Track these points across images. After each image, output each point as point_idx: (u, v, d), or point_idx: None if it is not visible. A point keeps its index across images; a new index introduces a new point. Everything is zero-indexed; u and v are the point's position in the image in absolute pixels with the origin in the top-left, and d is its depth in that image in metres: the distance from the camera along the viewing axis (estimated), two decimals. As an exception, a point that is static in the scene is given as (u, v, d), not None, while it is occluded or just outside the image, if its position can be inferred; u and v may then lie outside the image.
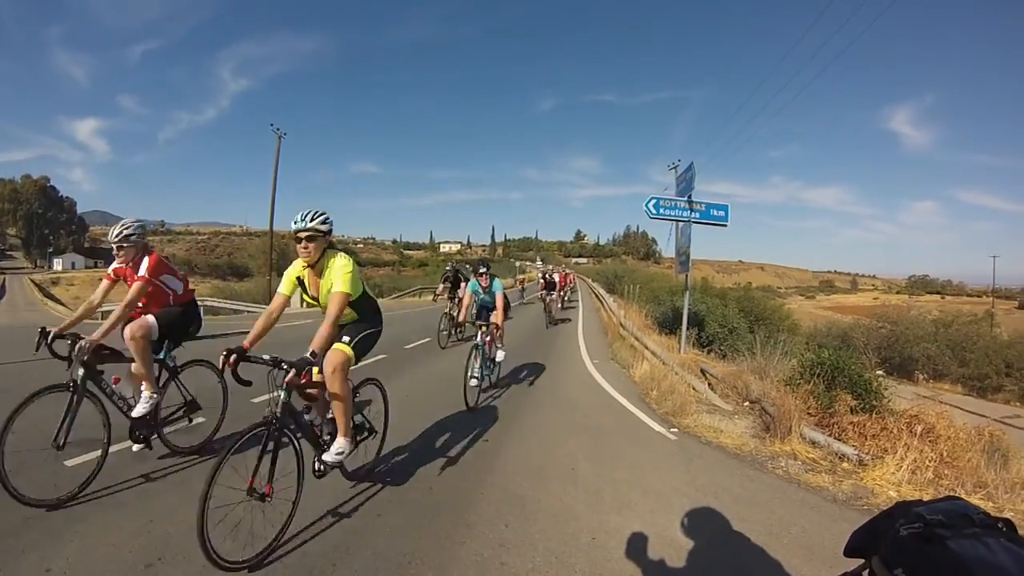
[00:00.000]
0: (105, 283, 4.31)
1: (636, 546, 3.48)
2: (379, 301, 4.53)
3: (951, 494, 1.18)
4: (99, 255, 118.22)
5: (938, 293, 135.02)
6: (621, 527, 3.76)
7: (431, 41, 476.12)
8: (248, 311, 26.66)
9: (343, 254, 3.83)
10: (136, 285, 4.17)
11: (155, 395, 4.25)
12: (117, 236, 4.11)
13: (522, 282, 37.29)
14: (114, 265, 4.28)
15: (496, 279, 8.43)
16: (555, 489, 4.43)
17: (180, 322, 4.55)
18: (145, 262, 4.21)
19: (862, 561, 1.15)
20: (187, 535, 3.21)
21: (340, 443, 3.76)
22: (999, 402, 23.56)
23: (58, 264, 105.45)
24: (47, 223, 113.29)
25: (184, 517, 3.46)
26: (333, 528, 3.52)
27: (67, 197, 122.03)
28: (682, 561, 3.32)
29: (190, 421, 4.78)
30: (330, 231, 3.73)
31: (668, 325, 17.19)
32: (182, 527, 3.34)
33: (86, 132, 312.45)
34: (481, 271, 8.39)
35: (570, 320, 20.64)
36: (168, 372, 4.51)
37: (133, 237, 4.16)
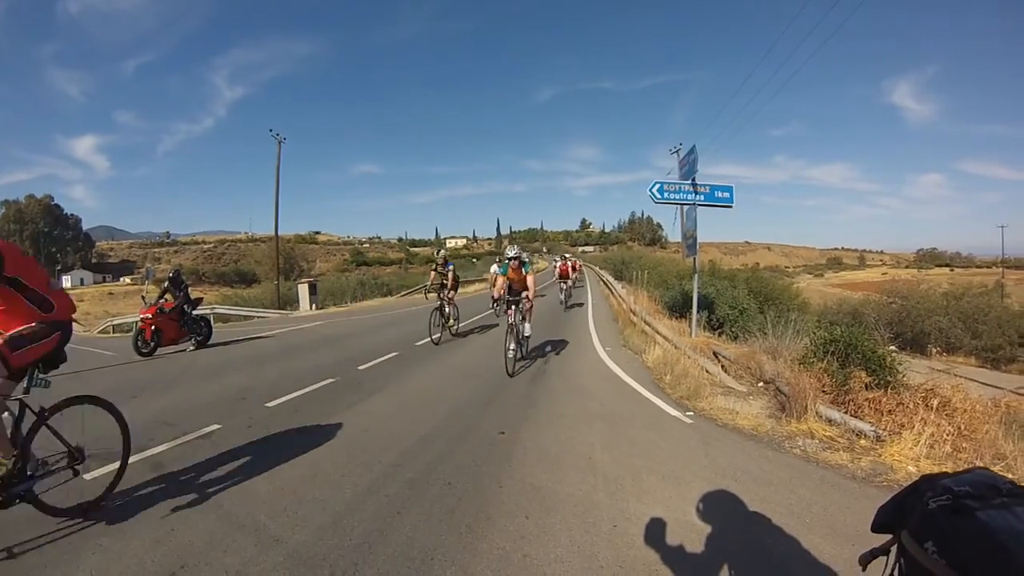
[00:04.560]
0: None
1: (658, 532, 3.48)
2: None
3: (976, 465, 1.18)
4: (107, 270, 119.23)
5: (947, 266, 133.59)
6: (642, 514, 3.76)
7: (424, 38, 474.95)
8: (258, 316, 26.83)
9: None
10: None
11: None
12: None
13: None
14: None
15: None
16: (574, 479, 4.44)
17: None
18: None
19: (890, 536, 1.15)
20: (208, 543, 3.28)
21: None
22: (1014, 372, 23.44)
23: (67, 281, 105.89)
24: (54, 241, 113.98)
25: (204, 524, 3.52)
26: (354, 527, 3.53)
27: (72, 214, 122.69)
28: (704, 545, 3.32)
29: (75, 474, 3.69)
30: None
31: (678, 309, 17.14)
32: (202, 534, 3.39)
33: (85, 149, 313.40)
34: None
35: (582, 304, 20.81)
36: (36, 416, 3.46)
37: None
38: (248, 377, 8.77)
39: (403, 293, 36.81)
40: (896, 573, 1.10)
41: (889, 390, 6.39)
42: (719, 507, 3.89)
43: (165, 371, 9.98)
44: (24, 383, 3.30)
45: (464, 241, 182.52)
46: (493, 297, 8.48)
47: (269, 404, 6.75)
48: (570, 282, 23.96)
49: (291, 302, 30.62)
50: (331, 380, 8.04)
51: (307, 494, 4.05)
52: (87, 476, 3.86)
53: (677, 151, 30.58)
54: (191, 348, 12.54)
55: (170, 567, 3.04)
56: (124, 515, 3.66)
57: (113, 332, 28.64)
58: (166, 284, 12.74)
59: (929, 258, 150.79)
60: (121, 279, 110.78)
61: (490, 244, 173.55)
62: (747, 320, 16.83)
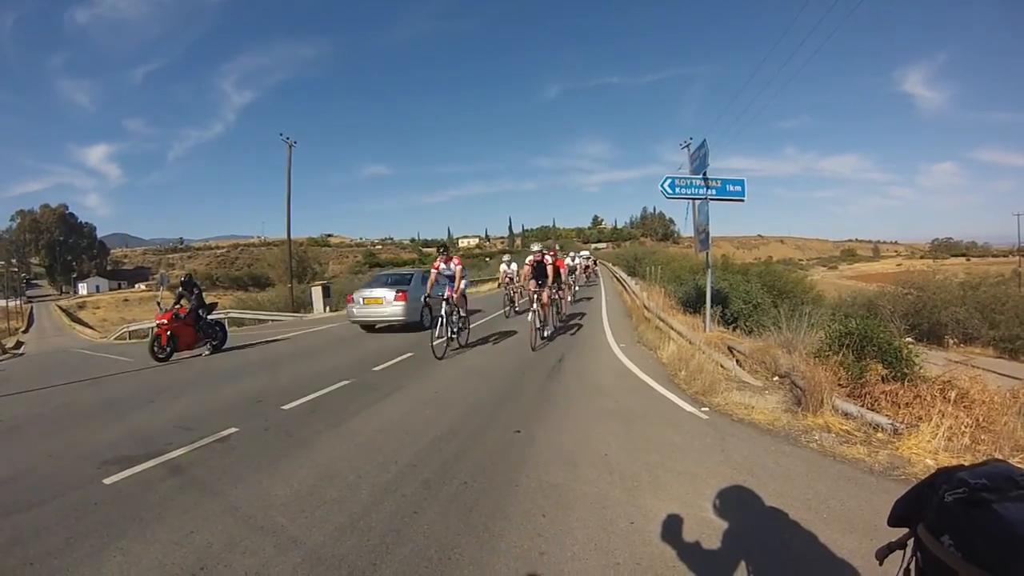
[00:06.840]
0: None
1: (675, 529, 3.47)
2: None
3: (993, 457, 1.18)
4: (122, 277, 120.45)
5: (963, 255, 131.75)
6: (658, 510, 3.76)
7: (430, 38, 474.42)
8: (272, 319, 26.98)
9: None
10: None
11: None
12: None
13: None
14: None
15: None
16: (590, 476, 4.44)
17: None
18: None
19: (906, 530, 1.15)
20: (226, 545, 3.31)
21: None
22: (1032, 362, 23.05)
23: (83, 288, 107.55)
24: (69, 249, 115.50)
25: (222, 526, 3.56)
26: (371, 528, 3.55)
27: (86, 223, 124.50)
28: (721, 541, 3.31)
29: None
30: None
31: (692, 304, 17.06)
32: (221, 536, 3.42)
33: (98, 158, 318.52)
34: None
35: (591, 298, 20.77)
36: None
37: None
38: (264, 380, 8.85)
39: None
40: (913, 567, 1.10)
41: (906, 382, 6.32)
42: (736, 502, 3.88)
43: (182, 376, 10.08)
44: None
45: (476, 240, 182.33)
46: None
47: (285, 407, 6.80)
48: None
49: (305, 305, 30.84)
50: (346, 382, 8.08)
51: (324, 495, 4.08)
52: None
53: (687, 146, 30.50)
54: (207, 352, 12.66)
55: (190, 569, 3.08)
56: (144, 518, 3.71)
57: (129, 338, 28.96)
58: (179, 289, 12.87)
59: (944, 248, 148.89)
60: (136, 285, 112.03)
61: (502, 243, 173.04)
62: (761, 314, 16.75)
